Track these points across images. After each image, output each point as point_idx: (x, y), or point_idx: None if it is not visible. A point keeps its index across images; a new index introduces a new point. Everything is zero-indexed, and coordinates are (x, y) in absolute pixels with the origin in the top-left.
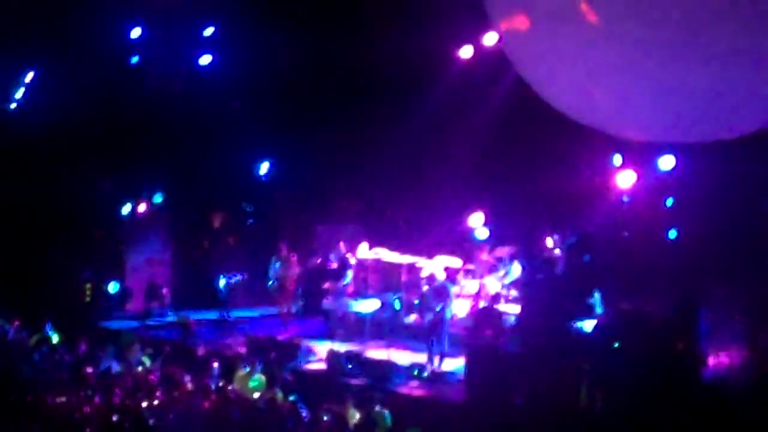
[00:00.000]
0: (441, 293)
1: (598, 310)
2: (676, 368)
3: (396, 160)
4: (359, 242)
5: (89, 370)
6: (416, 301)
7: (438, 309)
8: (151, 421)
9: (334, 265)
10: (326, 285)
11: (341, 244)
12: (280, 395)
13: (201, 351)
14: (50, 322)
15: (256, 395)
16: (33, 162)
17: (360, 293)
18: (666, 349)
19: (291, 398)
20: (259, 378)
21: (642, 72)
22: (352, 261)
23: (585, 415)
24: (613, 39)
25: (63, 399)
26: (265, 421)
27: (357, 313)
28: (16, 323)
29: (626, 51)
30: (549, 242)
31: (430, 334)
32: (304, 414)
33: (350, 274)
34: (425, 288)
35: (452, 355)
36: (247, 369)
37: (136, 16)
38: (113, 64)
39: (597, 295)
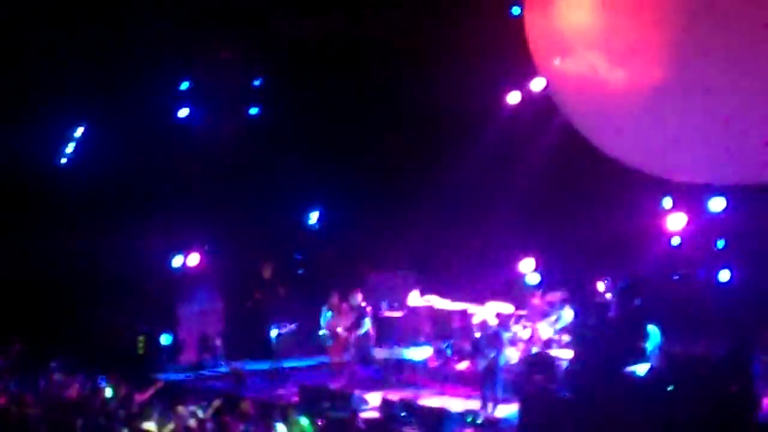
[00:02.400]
0: (493, 339)
1: (651, 345)
2: (731, 410)
3: (446, 206)
4: (411, 289)
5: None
6: (468, 348)
7: (491, 355)
8: None
9: (386, 314)
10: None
11: (358, 293)
12: None
13: (254, 401)
14: (104, 375)
15: None
16: (85, 216)
17: (412, 341)
18: (720, 392)
19: None
20: (301, 421)
21: (691, 114)
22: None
23: None
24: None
25: None
26: None
27: (409, 361)
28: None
29: (675, 94)
30: (600, 286)
31: (484, 381)
32: None
33: (367, 323)
34: (477, 334)
35: (506, 401)
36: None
37: (185, 69)
38: (161, 117)
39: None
